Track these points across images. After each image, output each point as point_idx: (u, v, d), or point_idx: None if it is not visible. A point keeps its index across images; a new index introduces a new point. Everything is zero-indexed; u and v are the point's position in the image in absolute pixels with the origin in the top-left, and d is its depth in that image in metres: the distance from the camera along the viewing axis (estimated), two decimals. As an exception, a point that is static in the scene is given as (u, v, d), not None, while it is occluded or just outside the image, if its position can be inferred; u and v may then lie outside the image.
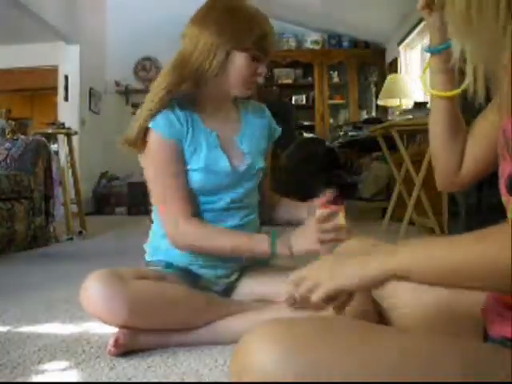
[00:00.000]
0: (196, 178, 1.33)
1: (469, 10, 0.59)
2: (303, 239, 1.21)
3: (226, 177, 1.35)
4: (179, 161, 1.32)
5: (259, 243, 1.25)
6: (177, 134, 1.31)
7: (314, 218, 1.22)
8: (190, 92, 1.37)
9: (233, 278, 1.42)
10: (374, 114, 6.73)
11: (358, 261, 0.65)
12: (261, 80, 1.34)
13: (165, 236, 1.37)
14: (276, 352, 0.57)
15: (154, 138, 1.30)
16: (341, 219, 1.21)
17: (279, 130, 1.52)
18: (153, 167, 1.32)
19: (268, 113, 1.51)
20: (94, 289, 1.17)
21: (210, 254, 1.35)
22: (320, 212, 1.22)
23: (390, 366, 0.57)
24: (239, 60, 1.29)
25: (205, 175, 1.33)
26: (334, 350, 0.58)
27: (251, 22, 1.29)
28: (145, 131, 1.30)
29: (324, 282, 0.67)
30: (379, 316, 1.01)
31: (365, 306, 1.02)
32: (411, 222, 3.63)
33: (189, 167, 1.33)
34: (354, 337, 0.61)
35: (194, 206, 1.33)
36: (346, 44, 6.91)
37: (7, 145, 3.48)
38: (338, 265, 0.66)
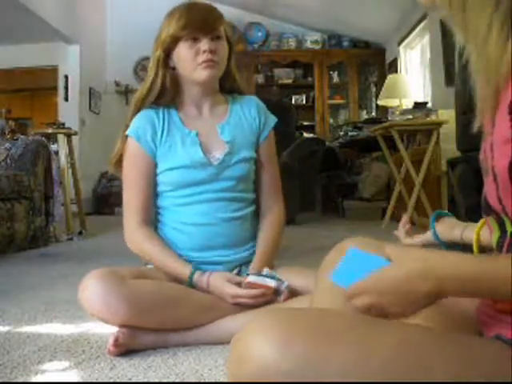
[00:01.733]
0: (173, 176, 1.38)
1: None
2: (220, 290, 1.29)
3: (203, 170, 1.38)
4: (146, 167, 1.40)
5: (182, 270, 1.33)
6: (148, 134, 1.39)
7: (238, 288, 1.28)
8: (173, 96, 1.43)
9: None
10: (374, 114, 6.73)
11: (425, 295, 0.63)
12: (211, 56, 1.33)
13: (165, 234, 1.40)
14: (274, 342, 0.57)
15: (128, 141, 1.41)
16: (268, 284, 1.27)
17: (273, 118, 1.52)
18: (124, 171, 1.42)
19: (257, 103, 1.51)
20: (92, 287, 1.17)
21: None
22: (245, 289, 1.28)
23: (387, 359, 0.58)
24: (180, 50, 1.36)
25: (181, 172, 1.38)
26: (331, 341, 0.59)
27: (177, 14, 1.37)
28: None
29: (394, 312, 0.66)
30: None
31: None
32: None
33: (165, 166, 1.39)
34: (352, 329, 0.62)
35: (150, 213, 1.42)
36: (346, 44, 6.90)
37: (7, 145, 3.48)
38: (406, 298, 0.64)
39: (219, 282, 1.29)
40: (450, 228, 1.01)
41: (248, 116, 1.47)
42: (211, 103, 1.45)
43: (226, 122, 1.44)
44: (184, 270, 1.32)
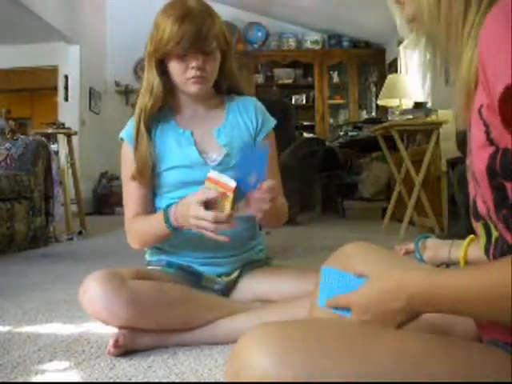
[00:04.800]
0: (171, 176, 1.39)
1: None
2: (184, 212, 1.22)
3: (199, 170, 1.36)
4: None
5: (158, 217, 1.30)
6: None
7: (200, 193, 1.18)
8: (170, 101, 1.43)
9: (233, 276, 1.42)
10: (374, 114, 6.73)
11: (398, 313, 0.64)
12: (199, 73, 1.32)
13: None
14: (270, 354, 0.57)
15: (123, 146, 1.42)
16: (226, 204, 1.14)
17: (272, 120, 1.49)
18: (122, 176, 1.43)
19: (256, 105, 1.48)
20: (93, 290, 1.17)
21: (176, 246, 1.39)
22: (206, 187, 1.17)
23: (384, 367, 0.57)
24: (170, 62, 1.34)
25: (178, 171, 1.38)
26: (328, 351, 0.58)
27: (171, 18, 1.29)
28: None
29: (364, 319, 0.67)
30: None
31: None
32: (411, 222, 3.63)
33: (162, 167, 1.39)
34: (349, 338, 0.61)
35: (146, 208, 1.40)
36: (346, 44, 6.91)
37: (7, 145, 3.48)
38: (384, 315, 0.65)
39: (184, 206, 1.22)
40: (435, 252, 1.02)
41: (245, 118, 1.45)
42: (206, 107, 1.45)
43: (222, 126, 1.43)
44: (160, 215, 1.29)
